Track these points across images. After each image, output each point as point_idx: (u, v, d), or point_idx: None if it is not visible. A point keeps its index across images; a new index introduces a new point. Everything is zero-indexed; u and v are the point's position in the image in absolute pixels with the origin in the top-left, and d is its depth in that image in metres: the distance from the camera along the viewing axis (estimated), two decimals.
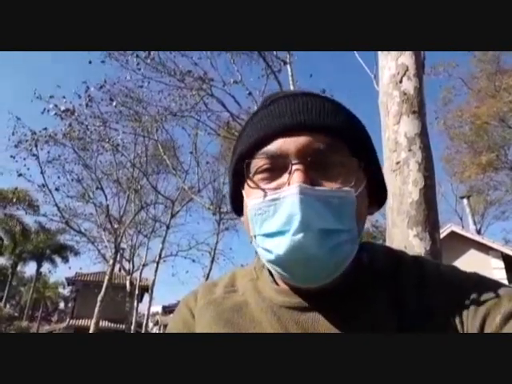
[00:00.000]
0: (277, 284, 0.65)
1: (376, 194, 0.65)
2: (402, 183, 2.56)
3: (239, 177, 0.63)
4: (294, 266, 0.54)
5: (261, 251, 0.58)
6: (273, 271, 0.61)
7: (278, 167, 0.57)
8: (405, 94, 2.71)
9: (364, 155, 0.60)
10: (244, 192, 0.62)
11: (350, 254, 0.56)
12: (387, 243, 2.61)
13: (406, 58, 2.78)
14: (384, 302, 0.58)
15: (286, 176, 0.56)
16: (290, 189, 0.53)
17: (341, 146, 0.57)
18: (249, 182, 0.59)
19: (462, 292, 0.57)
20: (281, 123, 0.58)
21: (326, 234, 0.52)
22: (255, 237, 0.59)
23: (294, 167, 0.55)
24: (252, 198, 0.59)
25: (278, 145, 0.57)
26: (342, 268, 0.55)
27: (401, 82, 2.75)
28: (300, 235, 0.51)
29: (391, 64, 2.85)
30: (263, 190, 0.57)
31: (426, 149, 2.60)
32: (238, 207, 0.68)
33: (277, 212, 0.55)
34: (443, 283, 0.59)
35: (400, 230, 2.50)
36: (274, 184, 0.57)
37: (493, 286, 0.58)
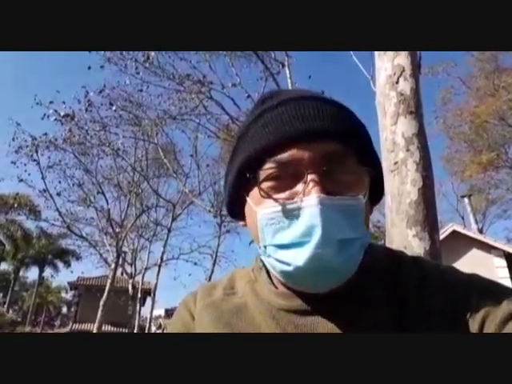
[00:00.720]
0: (275, 286, 0.64)
1: (373, 193, 0.64)
2: (400, 183, 2.57)
3: (242, 180, 0.60)
4: (310, 277, 0.54)
5: (273, 261, 0.57)
6: (279, 277, 0.59)
7: (289, 175, 0.56)
8: (401, 94, 2.72)
9: (369, 159, 0.60)
10: (250, 199, 0.60)
11: (360, 260, 0.56)
12: (387, 243, 2.61)
13: (402, 58, 2.79)
14: (384, 304, 0.58)
15: (299, 185, 0.54)
16: (309, 200, 0.52)
17: (351, 153, 0.57)
18: (259, 190, 0.57)
19: (462, 293, 0.57)
20: (292, 130, 0.55)
21: (343, 245, 0.52)
22: (265, 247, 0.57)
23: (309, 177, 0.53)
24: (262, 206, 0.57)
25: (290, 153, 0.55)
26: (352, 273, 0.55)
27: (397, 82, 2.75)
28: (321, 247, 0.50)
29: (387, 65, 2.86)
30: (275, 199, 0.56)
31: (423, 148, 2.60)
32: (235, 210, 0.67)
33: (294, 223, 0.53)
34: (443, 284, 0.59)
35: (399, 229, 2.51)
36: (286, 193, 0.55)
37: (493, 287, 0.58)
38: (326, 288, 0.55)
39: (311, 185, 0.53)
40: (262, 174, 0.57)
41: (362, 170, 0.58)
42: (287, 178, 0.56)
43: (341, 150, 0.56)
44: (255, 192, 0.58)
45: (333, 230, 0.51)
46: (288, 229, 0.54)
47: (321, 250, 0.50)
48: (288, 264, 0.54)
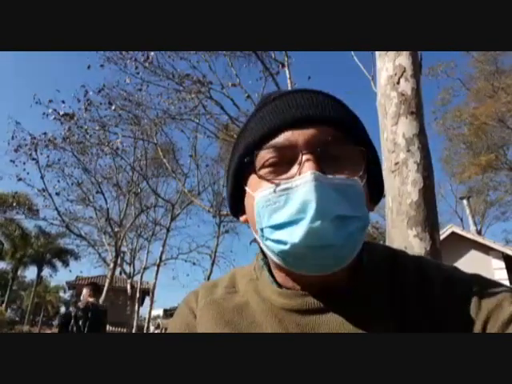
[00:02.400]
0: (277, 285, 0.64)
1: (373, 192, 0.64)
2: (401, 184, 2.57)
3: (242, 173, 0.62)
4: (309, 254, 0.53)
5: (270, 243, 0.56)
6: (279, 262, 0.58)
7: (286, 160, 0.56)
8: (402, 95, 2.72)
9: (364, 147, 0.60)
10: (248, 187, 0.61)
11: (360, 242, 0.55)
12: (387, 244, 2.61)
13: (403, 59, 2.79)
14: (385, 303, 0.58)
15: (295, 167, 0.55)
16: (303, 177, 0.53)
17: (346, 138, 0.58)
18: (256, 174, 0.58)
19: (464, 293, 0.57)
20: (288, 116, 0.57)
21: (341, 221, 0.52)
22: (262, 230, 0.57)
23: (305, 157, 0.54)
24: (259, 190, 0.57)
25: (286, 137, 0.56)
26: (353, 255, 0.55)
27: (398, 83, 2.76)
28: (317, 222, 0.50)
29: (388, 65, 2.86)
30: (272, 181, 0.56)
31: (424, 149, 2.60)
32: (237, 208, 0.68)
33: (289, 201, 0.54)
34: (444, 283, 0.59)
35: (400, 230, 2.51)
36: (282, 176, 0.56)
37: (495, 287, 0.58)
38: (326, 268, 0.54)
39: (306, 164, 0.53)
40: (260, 161, 0.58)
41: (359, 153, 0.57)
42: (284, 163, 0.57)
43: (336, 135, 0.57)
44: (253, 179, 0.59)
45: (328, 204, 0.51)
46: (283, 208, 0.54)
47: (316, 224, 0.50)
48: (284, 243, 0.53)
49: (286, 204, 0.54)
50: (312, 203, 0.51)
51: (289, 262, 0.56)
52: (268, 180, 0.57)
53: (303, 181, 0.52)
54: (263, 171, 0.57)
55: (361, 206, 0.55)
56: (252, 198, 0.59)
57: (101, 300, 14.44)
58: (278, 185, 0.55)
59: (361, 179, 0.56)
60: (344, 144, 0.57)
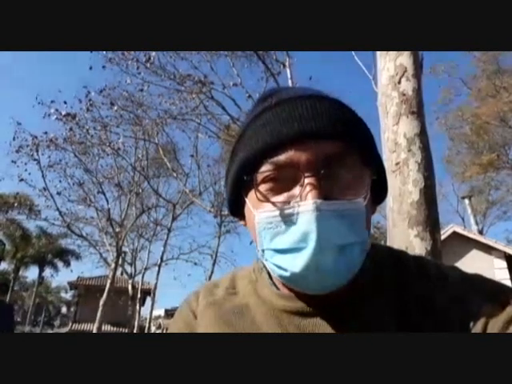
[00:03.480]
0: (276, 287, 0.64)
1: (375, 193, 0.62)
2: (402, 183, 2.57)
3: (241, 182, 0.59)
4: (308, 282, 0.53)
5: (271, 265, 0.57)
6: (280, 279, 0.59)
7: (286, 178, 0.54)
8: (403, 94, 2.71)
9: (371, 158, 0.59)
10: (248, 201, 0.59)
11: (360, 263, 0.55)
12: (388, 243, 2.61)
13: (405, 58, 2.79)
14: (386, 304, 0.58)
15: (297, 188, 0.53)
16: (305, 205, 0.51)
17: (351, 153, 0.55)
18: (256, 192, 0.56)
19: (465, 293, 0.57)
20: (289, 131, 0.54)
21: (342, 250, 0.51)
22: (263, 251, 0.57)
23: (307, 180, 0.52)
24: (260, 210, 0.56)
25: (287, 155, 0.54)
26: (352, 276, 0.54)
27: (399, 82, 2.75)
28: (317, 253, 0.50)
29: (389, 65, 2.85)
30: (273, 203, 0.55)
31: (425, 149, 2.60)
32: (236, 210, 0.66)
33: (290, 228, 0.53)
34: (445, 284, 0.59)
35: (401, 230, 2.50)
36: (283, 196, 0.54)
37: (496, 287, 0.58)
38: (325, 291, 0.54)
39: (308, 188, 0.52)
40: (260, 177, 0.56)
41: (363, 170, 0.56)
42: (285, 181, 0.55)
43: (339, 151, 0.54)
44: (253, 194, 0.57)
45: (329, 236, 0.50)
46: (285, 234, 0.53)
47: (317, 256, 0.50)
48: (285, 270, 0.53)
49: (287, 230, 0.53)
50: (313, 234, 0.50)
51: (288, 284, 0.57)
52: (268, 200, 0.55)
53: (304, 209, 0.51)
54: (263, 187, 0.56)
55: (361, 229, 0.54)
56: (253, 215, 0.58)
57: (102, 300, 14.55)
58: (279, 208, 0.54)
59: (364, 198, 0.55)
60: (349, 161, 0.55)
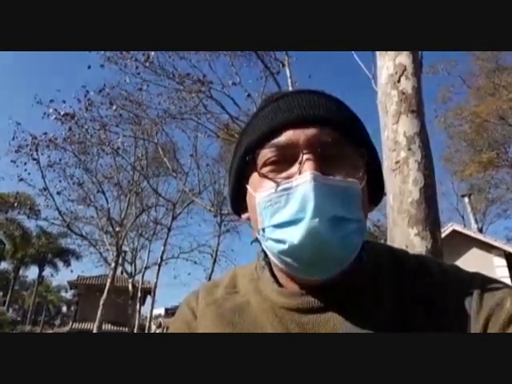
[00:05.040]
0: (278, 285, 0.64)
1: (373, 193, 0.64)
2: (402, 182, 2.57)
3: (243, 171, 0.63)
4: (307, 254, 0.53)
5: (270, 243, 0.57)
6: (280, 265, 0.59)
7: (287, 158, 0.57)
8: (403, 93, 2.72)
9: (367, 152, 0.60)
10: (250, 186, 0.62)
11: (358, 245, 0.56)
12: (388, 242, 2.61)
13: (404, 57, 2.79)
14: (386, 302, 0.58)
15: (295, 166, 0.56)
16: (303, 177, 0.53)
17: (347, 142, 0.58)
18: (257, 173, 0.59)
19: (466, 291, 0.57)
20: (289, 115, 0.58)
21: (338, 222, 0.52)
22: (264, 230, 0.58)
23: (305, 157, 0.55)
24: (261, 190, 0.58)
25: (287, 136, 0.57)
26: (350, 259, 0.55)
27: (399, 81, 2.75)
28: (315, 221, 0.51)
29: (389, 64, 2.86)
30: (274, 180, 0.57)
31: (425, 147, 2.61)
32: (238, 206, 0.68)
33: (289, 201, 0.54)
34: (446, 282, 0.59)
35: (401, 228, 2.51)
36: (283, 174, 0.57)
37: (497, 286, 0.58)
38: (325, 271, 0.55)
39: (306, 164, 0.54)
40: (261, 159, 0.59)
41: (357, 155, 0.58)
42: (285, 162, 0.57)
43: (337, 137, 0.57)
44: (254, 177, 0.60)
45: (326, 205, 0.52)
46: (284, 208, 0.55)
47: (315, 224, 0.51)
48: (284, 242, 0.54)
49: (287, 204, 0.55)
50: (310, 203, 0.52)
51: (288, 263, 0.56)
52: (269, 178, 0.57)
53: (303, 181, 0.53)
54: (264, 169, 0.58)
55: (358, 209, 0.56)
56: (254, 198, 0.59)
57: (102, 300, 14.55)
58: (278, 184, 0.56)
59: (360, 181, 0.57)
60: (344, 145, 0.58)
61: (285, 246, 0.54)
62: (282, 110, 0.60)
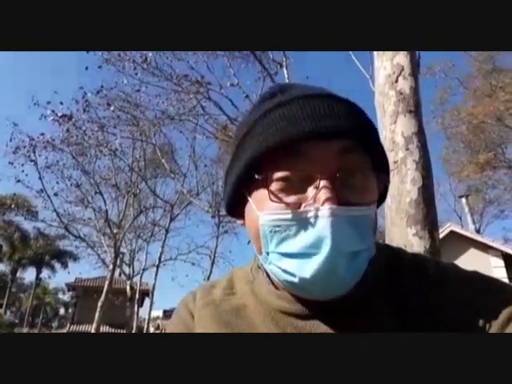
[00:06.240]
0: (274, 286, 0.63)
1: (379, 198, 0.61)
2: (400, 182, 2.57)
3: (246, 179, 0.57)
4: (316, 288, 0.52)
5: (275, 269, 0.55)
6: (281, 284, 0.58)
7: (299, 177, 0.52)
8: (401, 93, 2.72)
9: (380, 160, 0.59)
10: (252, 199, 0.57)
11: (365, 268, 0.54)
12: (387, 242, 2.61)
13: (401, 57, 2.80)
14: (385, 304, 0.57)
15: (310, 190, 0.52)
16: (321, 210, 0.49)
17: (363, 154, 0.55)
18: (263, 191, 0.54)
19: (465, 290, 0.57)
20: (304, 127, 0.51)
21: (352, 257, 0.50)
22: (268, 253, 0.55)
23: (322, 183, 0.50)
24: (266, 210, 0.54)
25: (302, 152, 0.52)
26: (355, 282, 0.54)
27: (396, 81, 2.76)
28: (330, 260, 0.48)
29: (386, 64, 2.86)
30: (284, 203, 0.52)
31: (423, 147, 2.61)
32: (234, 208, 0.64)
33: (302, 232, 0.51)
34: (445, 281, 0.58)
35: (399, 228, 2.51)
36: (294, 198, 0.52)
37: (496, 284, 0.58)
38: (331, 296, 0.54)
39: (323, 192, 0.50)
40: (269, 173, 0.53)
41: (373, 173, 0.56)
42: (296, 181, 0.53)
43: (353, 152, 0.53)
44: (259, 193, 0.56)
45: (343, 242, 0.49)
46: (295, 238, 0.51)
47: (329, 262, 0.48)
48: (293, 275, 0.52)
49: (298, 235, 0.51)
50: (327, 240, 0.48)
51: (292, 289, 0.56)
52: (279, 200, 0.53)
53: (320, 214, 0.49)
54: (272, 187, 0.53)
55: (370, 235, 0.54)
56: (256, 216, 0.56)
57: (100, 302, 14.52)
58: (290, 211, 0.52)
59: (374, 204, 0.55)
60: (362, 163, 0.54)
61: (294, 279, 0.52)
62: (289, 118, 0.53)
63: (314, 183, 0.51)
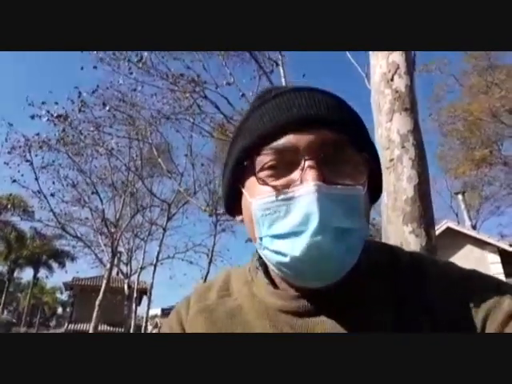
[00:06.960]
0: (273, 286, 0.63)
1: (372, 192, 0.62)
2: (396, 180, 2.58)
3: (238, 173, 0.60)
4: (308, 267, 0.52)
5: (269, 253, 0.55)
6: (277, 271, 0.58)
7: (286, 163, 0.54)
8: (396, 91, 2.73)
9: (367, 150, 0.59)
10: (245, 190, 0.59)
11: (359, 252, 0.55)
12: (383, 240, 2.62)
13: (397, 56, 2.80)
14: (382, 302, 0.57)
15: (296, 172, 0.53)
16: (306, 187, 0.51)
17: (348, 141, 0.56)
18: (254, 178, 0.56)
19: (463, 289, 0.56)
20: (289, 116, 0.55)
21: (341, 234, 0.51)
22: (261, 238, 0.56)
23: (307, 163, 0.52)
24: (258, 196, 0.55)
25: (287, 139, 0.54)
26: (351, 266, 0.54)
27: (392, 79, 2.77)
28: (318, 235, 0.49)
29: (382, 62, 2.87)
30: (273, 187, 0.54)
31: (418, 145, 2.62)
32: (232, 205, 0.65)
33: (290, 212, 0.52)
34: (442, 279, 0.58)
35: (395, 226, 2.52)
36: (282, 181, 0.54)
37: (493, 283, 0.57)
38: (326, 281, 0.54)
39: (308, 171, 0.52)
40: (259, 162, 0.56)
41: (360, 159, 0.56)
42: (283, 166, 0.55)
43: (337, 138, 0.55)
44: (251, 182, 0.58)
45: (330, 217, 0.50)
46: (284, 218, 0.53)
47: (318, 238, 0.49)
48: (284, 254, 0.52)
49: (287, 214, 0.53)
50: (314, 215, 0.50)
51: (287, 273, 0.56)
52: (268, 185, 0.55)
53: (305, 191, 0.51)
54: (262, 174, 0.55)
55: (361, 216, 0.54)
56: (249, 203, 0.57)
57: (98, 300, 14.49)
58: (278, 193, 0.53)
59: (363, 186, 0.55)
60: (347, 148, 0.56)
61: (285, 259, 0.52)
62: (280, 109, 0.56)
63: (299, 166, 0.53)
